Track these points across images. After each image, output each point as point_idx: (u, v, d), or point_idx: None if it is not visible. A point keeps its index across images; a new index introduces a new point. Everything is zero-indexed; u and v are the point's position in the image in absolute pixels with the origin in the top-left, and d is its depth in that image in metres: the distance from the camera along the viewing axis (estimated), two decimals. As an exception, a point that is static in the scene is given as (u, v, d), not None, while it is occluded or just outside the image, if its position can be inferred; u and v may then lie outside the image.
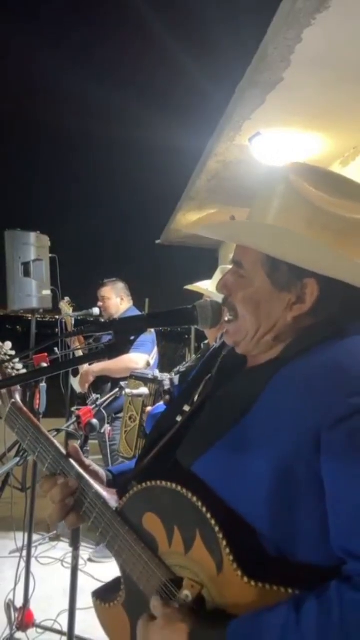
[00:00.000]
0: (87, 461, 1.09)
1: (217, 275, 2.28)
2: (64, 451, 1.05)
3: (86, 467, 1.06)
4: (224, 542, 0.79)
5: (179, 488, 0.85)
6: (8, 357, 1.20)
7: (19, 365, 1.21)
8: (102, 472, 1.10)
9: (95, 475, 1.07)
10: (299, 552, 0.79)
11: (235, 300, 0.93)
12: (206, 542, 0.81)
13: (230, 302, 0.94)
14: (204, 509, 0.81)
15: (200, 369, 1.08)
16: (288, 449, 0.78)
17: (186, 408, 1.03)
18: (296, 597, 0.73)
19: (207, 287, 2.28)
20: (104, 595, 1.00)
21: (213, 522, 0.80)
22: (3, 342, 1.24)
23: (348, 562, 0.74)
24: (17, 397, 1.15)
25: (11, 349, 1.22)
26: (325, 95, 3.19)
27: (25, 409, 1.13)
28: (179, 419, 1.02)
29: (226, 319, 0.96)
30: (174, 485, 0.86)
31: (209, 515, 0.81)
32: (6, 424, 1.14)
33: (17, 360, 1.20)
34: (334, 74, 2.92)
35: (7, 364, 1.18)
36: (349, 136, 3.79)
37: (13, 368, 1.19)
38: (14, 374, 1.18)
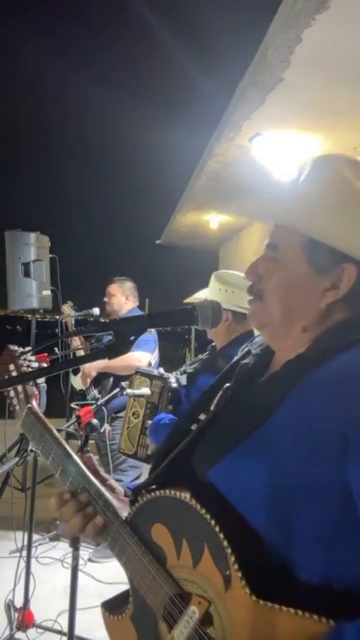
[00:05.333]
0: (104, 475, 1.06)
1: (212, 282, 2.27)
2: (78, 459, 1.04)
3: (103, 481, 1.04)
4: (232, 558, 0.76)
5: (187, 499, 0.82)
6: (28, 364, 1.19)
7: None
8: (119, 488, 1.07)
9: (111, 489, 1.04)
10: (308, 567, 0.75)
11: (266, 286, 0.90)
12: (214, 556, 0.79)
13: (258, 288, 0.92)
14: (213, 522, 0.78)
15: (220, 378, 1.06)
16: (310, 456, 0.74)
17: (202, 417, 1.02)
18: (335, 630, 0.68)
19: (206, 295, 2.27)
20: (112, 607, 0.98)
21: (222, 536, 0.77)
22: (3, 343, 1.25)
23: None
24: (34, 403, 1.15)
25: (35, 354, 1.22)
26: (325, 96, 3.19)
27: (40, 414, 1.13)
28: (194, 427, 1.00)
29: (251, 298, 0.93)
30: (182, 496, 0.83)
31: (217, 529, 0.78)
32: (22, 428, 1.15)
33: (34, 362, 1.20)
34: (334, 74, 2.92)
35: (24, 364, 1.18)
36: (349, 136, 3.80)
37: (29, 366, 1.20)
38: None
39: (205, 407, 1.03)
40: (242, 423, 0.86)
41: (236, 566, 0.75)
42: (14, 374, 1.19)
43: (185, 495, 0.83)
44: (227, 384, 1.01)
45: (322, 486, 0.74)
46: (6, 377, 1.19)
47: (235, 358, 1.06)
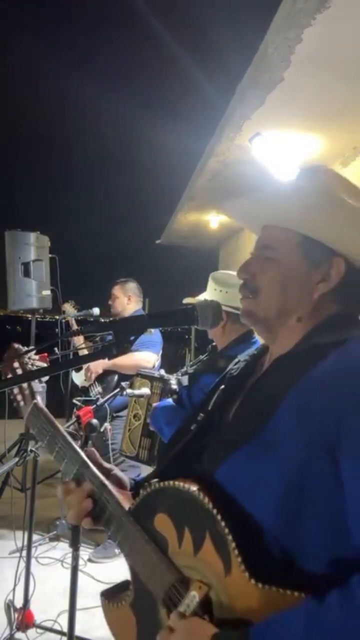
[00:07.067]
0: (108, 465, 1.10)
1: (209, 283, 2.27)
2: (82, 453, 1.07)
3: (107, 472, 1.08)
4: (233, 544, 0.79)
5: (190, 489, 0.86)
6: (32, 363, 1.23)
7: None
8: (125, 478, 1.10)
9: (117, 480, 1.08)
10: (308, 555, 0.79)
11: (261, 282, 0.96)
12: (215, 543, 0.82)
13: (251, 285, 0.97)
14: (214, 511, 0.82)
15: (217, 382, 1.11)
16: (309, 453, 0.79)
17: (201, 417, 1.05)
18: (316, 596, 0.74)
19: (204, 297, 2.27)
20: (111, 595, 1.01)
21: (223, 524, 0.81)
22: (3, 343, 1.26)
23: None
24: (39, 398, 1.20)
25: (36, 354, 1.25)
26: (325, 95, 3.19)
27: (45, 410, 1.18)
28: (194, 427, 1.04)
29: (245, 295, 0.98)
30: (185, 486, 0.87)
31: (219, 517, 0.81)
32: (27, 423, 1.19)
33: (38, 361, 1.23)
34: (335, 74, 2.92)
35: (29, 363, 1.22)
36: (349, 136, 3.80)
37: (33, 365, 1.23)
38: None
39: (204, 408, 1.06)
40: (244, 425, 0.90)
41: (236, 552, 0.79)
42: (19, 371, 1.22)
43: (188, 486, 0.86)
44: (223, 386, 1.06)
45: (321, 480, 0.78)
46: (9, 375, 1.22)
47: (228, 367, 1.11)
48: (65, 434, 1.11)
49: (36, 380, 1.22)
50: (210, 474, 0.90)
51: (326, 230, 0.92)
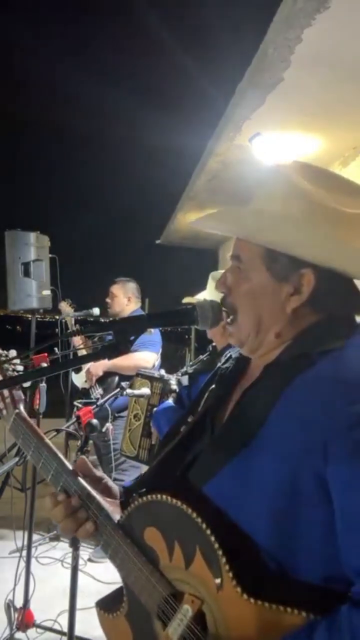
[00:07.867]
0: (99, 473, 1.08)
1: (210, 284, 2.27)
2: (67, 463, 1.05)
3: (98, 481, 1.05)
4: (224, 559, 0.78)
5: (179, 503, 0.85)
6: (11, 364, 1.20)
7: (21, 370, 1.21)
8: (115, 487, 1.08)
9: (107, 490, 1.05)
10: (300, 569, 0.78)
11: (235, 297, 0.93)
12: (206, 558, 0.81)
13: (229, 301, 0.95)
14: (204, 525, 0.81)
15: (206, 382, 1.08)
16: (298, 465, 0.77)
17: (191, 419, 1.04)
18: (307, 625, 0.72)
19: (204, 297, 2.27)
20: (107, 605, 1.00)
21: (212, 538, 0.80)
22: (4, 343, 1.25)
23: (356, 583, 0.72)
24: (21, 408, 1.17)
25: (16, 357, 1.23)
26: (325, 96, 3.19)
27: (29, 419, 1.14)
28: (183, 430, 1.02)
29: (228, 320, 0.96)
30: (173, 501, 0.85)
31: (208, 532, 0.80)
32: (11, 433, 1.16)
33: (19, 365, 1.20)
34: (334, 74, 2.92)
35: (9, 369, 1.19)
36: (349, 136, 3.80)
37: (14, 370, 1.20)
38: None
39: (194, 410, 1.05)
40: (233, 438, 0.88)
41: (227, 567, 0.78)
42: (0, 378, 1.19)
43: (176, 500, 0.85)
44: (212, 387, 1.04)
45: (311, 493, 0.76)
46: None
47: (219, 364, 1.09)
48: (51, 444, 1.08)
49: (18, 388, 1.18)
50: (200, 486, 0.88)
51: (286, 240, 0.86)
